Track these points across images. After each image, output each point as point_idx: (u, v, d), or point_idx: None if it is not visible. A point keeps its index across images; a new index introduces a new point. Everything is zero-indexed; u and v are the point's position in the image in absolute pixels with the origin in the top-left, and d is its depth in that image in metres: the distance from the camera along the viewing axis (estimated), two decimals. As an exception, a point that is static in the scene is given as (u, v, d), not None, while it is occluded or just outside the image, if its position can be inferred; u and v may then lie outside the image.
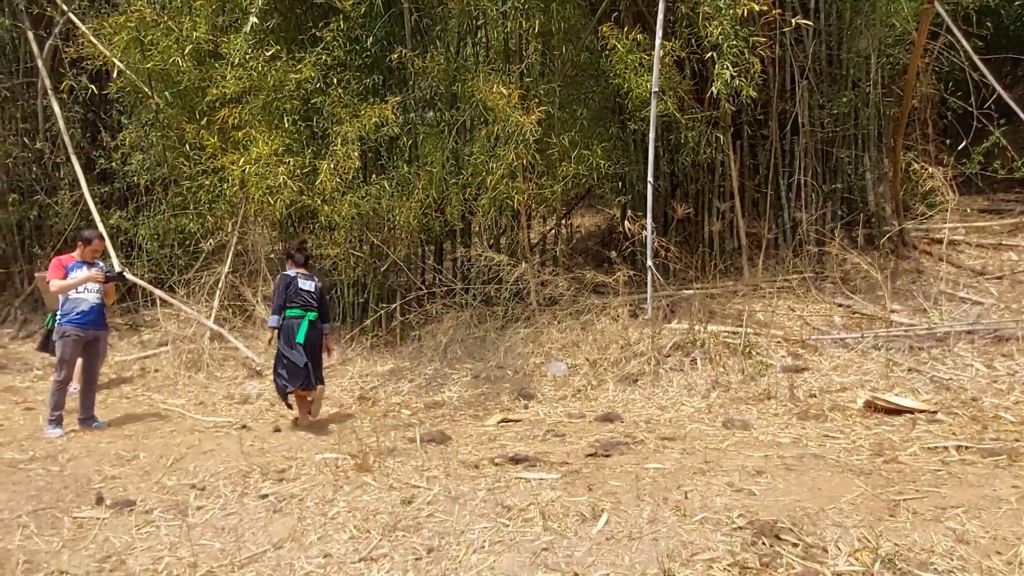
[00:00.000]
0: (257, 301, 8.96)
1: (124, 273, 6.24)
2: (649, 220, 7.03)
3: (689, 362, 6.68)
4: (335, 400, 6.94)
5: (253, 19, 7.42)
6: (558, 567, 3.09)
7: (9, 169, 10.57)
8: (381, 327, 8.48)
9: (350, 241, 8.44)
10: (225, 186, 7.97)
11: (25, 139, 10.63)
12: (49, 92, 10.14)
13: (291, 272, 6.25)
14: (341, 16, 8.10)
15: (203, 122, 8.37)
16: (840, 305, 7.58)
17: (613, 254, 7.87)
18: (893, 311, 7.12)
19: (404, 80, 8.75)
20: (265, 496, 4.17)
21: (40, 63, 10.27)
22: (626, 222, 8.10)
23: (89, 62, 9.27)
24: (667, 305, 7.86)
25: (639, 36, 7.37)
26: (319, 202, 7.97)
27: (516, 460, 4.33)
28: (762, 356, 6.67)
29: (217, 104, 8.03)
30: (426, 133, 8.60)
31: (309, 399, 6.00)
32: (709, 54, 6.70)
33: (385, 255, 8.66)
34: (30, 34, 10.35)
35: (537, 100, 7.87)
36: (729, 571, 2.96)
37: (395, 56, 8.12)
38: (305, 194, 7.98)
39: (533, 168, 8.26)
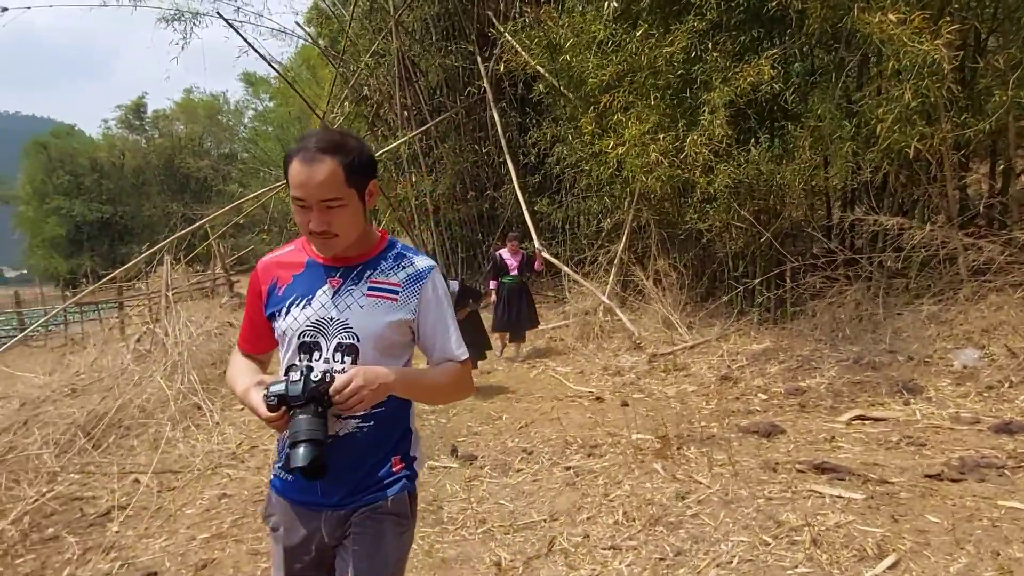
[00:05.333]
0: (647, 277, 9.27)
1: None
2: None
3: None
4: (696, 378, 6.81)
5: (613, 3, 7.62)
6: (801, 607, 2.58)
7: (468, 172, 13.07)
8: (763, 302, 7.92)
9: (729, 211, 8.05)
10: (601, 169, 8.44)
11: (477, 146, 13.00)
12: (491, 104, 12.19)
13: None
14: (715, -24, 7.74)
15: (590, 110, 8.99)
16: None
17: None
18: None
19: (785, 28, 7.87)
20: (569, 468, 4.44)
21: (485, 81, 12.40)
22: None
23: (519, 72, 10.81)
24: None
25: None
26: (696, 174, 7.83)
27: (823, 469, 3.66)
28: None
29: (597, 91, 8.55)
30: (809, 84, 7.61)
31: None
32: None
33: (768, 224, 8.01)
34: (479, 58, 12.56)
35: (949, 18, 6.26)
36: None
37: (773, 3, 7.40)
38: (679, 168, 7.93)
39: (953, 104, 6.61)
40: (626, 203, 9.94)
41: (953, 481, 3.41)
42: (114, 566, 3.81)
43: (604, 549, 3.32)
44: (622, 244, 9.82)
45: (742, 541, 3.09)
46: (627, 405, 6.05)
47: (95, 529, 4.42)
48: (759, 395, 6.00)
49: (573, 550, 3.37)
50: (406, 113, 13.72)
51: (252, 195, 14.00)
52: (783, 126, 7.82)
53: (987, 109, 6.42)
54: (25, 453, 5.28)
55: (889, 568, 2.69)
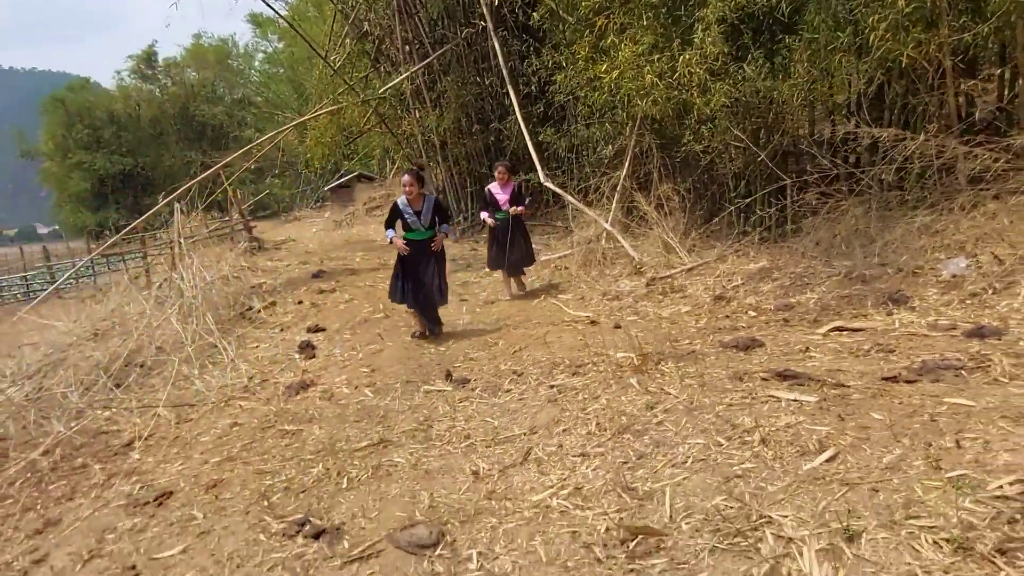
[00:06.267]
0: (649, 203, 9.29)
1: None
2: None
3: None
4: (692, 299, 6.94)
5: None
6: (741, 498, 2.79)
7: (472, 105, 12.99)
8: (762, 220, 7.94)
9: (727, 131, 7.99)
10: (596, 95, 8.37)
11: (479, 78, 12.87)
12: (491, 33, 12.01)
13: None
14: None
15: (585, 34, 8.86)
16: None
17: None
18: None
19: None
20: (553, 387, 4.66)
21: (484, 9, 12.17)
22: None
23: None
24: None
25: None
26: (693, 95, 7.76)
27: (784, 376, 3.82)
28: None
29: (592, 14, 8.41)
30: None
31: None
32: None
33: (767, 143, 7.94)
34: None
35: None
36: (941, 547, 2.24)
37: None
38: (675, 89, 7.86)
39: (952, 7, 6.43)
40: (628, 128, 9.88)
41: (908, 382, 3.55)
42: (135, 488, 4.17)
43: (574, 456, 3.55)
44: (624, 170, 9.82)
45: (698, 443, 3.30)
46: (620, 327, 6.22)
47: (119, 457, 4.80)
48: (749, 313, 6.12)
49: (546, 458, 3.61)
50: (408, 47, 13.60)
51: (259, 140, 14.12)
52: (780, 39, 7.67)
53: (987, 11, 6.21)
54: (52, 392, 5.67)
55: (827, 461, 2.87)
